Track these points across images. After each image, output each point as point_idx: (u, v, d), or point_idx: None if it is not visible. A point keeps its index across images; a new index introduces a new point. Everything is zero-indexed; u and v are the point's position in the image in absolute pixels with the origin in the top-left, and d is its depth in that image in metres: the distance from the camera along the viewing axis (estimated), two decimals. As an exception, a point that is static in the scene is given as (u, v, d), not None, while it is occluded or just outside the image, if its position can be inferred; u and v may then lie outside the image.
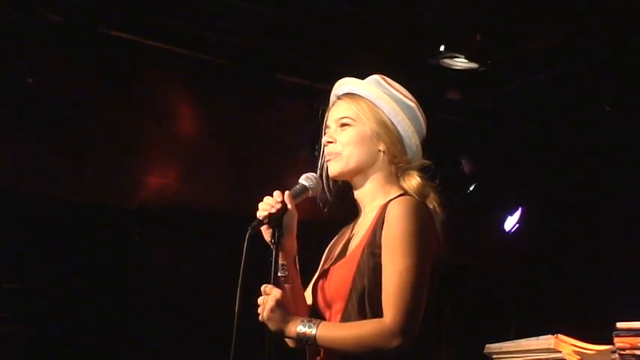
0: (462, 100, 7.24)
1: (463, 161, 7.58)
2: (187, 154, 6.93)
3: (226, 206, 6.90)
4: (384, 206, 2.79)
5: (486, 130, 7.91)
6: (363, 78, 2.98)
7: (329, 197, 2.94)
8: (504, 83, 7.12)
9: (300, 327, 2.70)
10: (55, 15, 6.08)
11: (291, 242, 2.84)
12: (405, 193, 2.84)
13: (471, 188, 7.60)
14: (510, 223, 7.97)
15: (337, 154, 2.87)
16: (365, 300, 2.72)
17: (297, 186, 2.89)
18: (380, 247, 2.72)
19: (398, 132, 2.88)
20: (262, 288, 2.74)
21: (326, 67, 6.40)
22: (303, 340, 2.70)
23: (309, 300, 2.90)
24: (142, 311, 6.64)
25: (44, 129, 6.22)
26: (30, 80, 6.09)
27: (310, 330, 2.69)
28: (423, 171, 2.91)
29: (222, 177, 7.03)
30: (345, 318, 2.75)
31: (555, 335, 3.95)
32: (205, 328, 6.37)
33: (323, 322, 2.73)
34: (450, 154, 7.43)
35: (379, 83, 2.94)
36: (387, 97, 2.89)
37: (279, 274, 2.78)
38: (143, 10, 6.26)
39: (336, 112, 2.92)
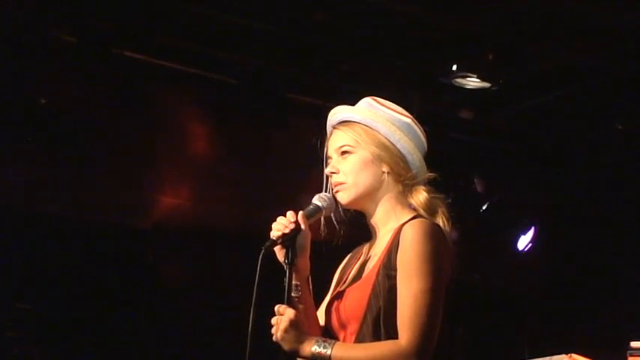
0: (474, 119, 7.24)
1: (476, 180, 7.57)
2: (200, 174, 6.95)
3: (239, 226, 6.90)
4: (398, 229, 2.79)
5: (499, 149, 7.90)
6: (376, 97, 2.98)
7: (342, 218, 2.94)
8: (517, 102, 7.12)
9: (314, 347, 2.70)
10: (68, 36, 6.12)
11: (305, 262, 2.84)
12: (417, 214, 2.84)
13: (484, 207, 7.59)
14: (523, 242, 7.94)
15: (343, 184, 2.88)
16: (380, 322, 2.73)
17: (311, 206, 2.88)
18: (395, 270, 2.73)
19: (398, 150, 2.88)
20: (276, 308, 2.74)
21: (338, 87, 6.42)
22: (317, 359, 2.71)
23: (321, 320, 2.90)
24: (156, 330, 6.64)
25: (58, 149, 6.25)
26: (43, 101, 6.13)
27: (325, 350, 2.70)
28: (429, 184, 2.91)
29: (235, 196, 7.04)
30: (360, 339, 2.76)
31: (569, 355, 3.94)
32: (219, 348, 6.37)
33: (338, 343, 2.73)
34: (462, 173, 7.43)
35: (371, 105, 2.94)
36: (381, 118, 2.89)
37: (292, 295, 2.78)
38: (156, 31, 6.29)
39: (335, 142, 2.93)
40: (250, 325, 2.67)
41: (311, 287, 2.89)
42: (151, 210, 6.83)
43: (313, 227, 2.86)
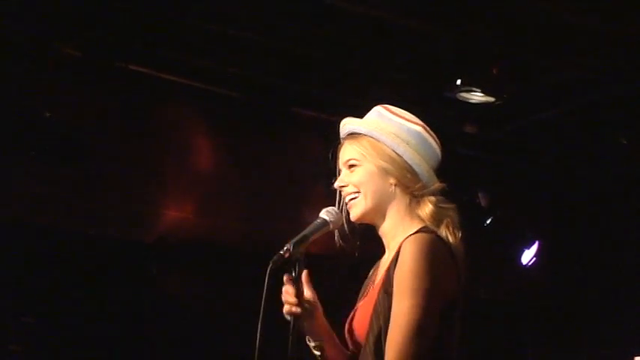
0: (478, 133, 7.24)
1: (480, 195, 7.57)
2: (204, 188, 6.95)
3: (243, 240, 6.90)
4: (402, 243, 2.72)
5: (503, 163, 7.90)
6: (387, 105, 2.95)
7: (349, 233, 2.91)
8: (521, 117, 7.12)
9: None
10: (73, 50, 6.13)
11: (318, 325, 2.82)
12: (424, 226, 2.77)
13: (488, 222, 7.58)
14: (527, 256, 7.93)
15: (352, 194, 2.84)
16: (381, 341, 2.65)
17: (318, 220, 2.83)
18: (392, 286, 2.67)
19: (405, 162, 2.82)
20: None
21: (341, 101, 6.42)
22: None
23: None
24: (159, 343, 6.63)
25: (62, 163, 6.25)
26: (48, 114, 6.13)
27: None
28: (440, 194, 2.85)
29: (239, 210, 7.04)
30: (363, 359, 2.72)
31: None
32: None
33: None
34: (466, 187, 7.43)
35: (380, 115, 2.89)
36: (389, 128, 2.84)
37: (315, 353, 2.78)
38: (160, 45, 6.30)
39: (343, 155, 2.89)
40: (258, 341, 2.64)
41: (334, 335, 2.86)
42: (155, 223, 6.83)
43: (326, 240, 2.84)
